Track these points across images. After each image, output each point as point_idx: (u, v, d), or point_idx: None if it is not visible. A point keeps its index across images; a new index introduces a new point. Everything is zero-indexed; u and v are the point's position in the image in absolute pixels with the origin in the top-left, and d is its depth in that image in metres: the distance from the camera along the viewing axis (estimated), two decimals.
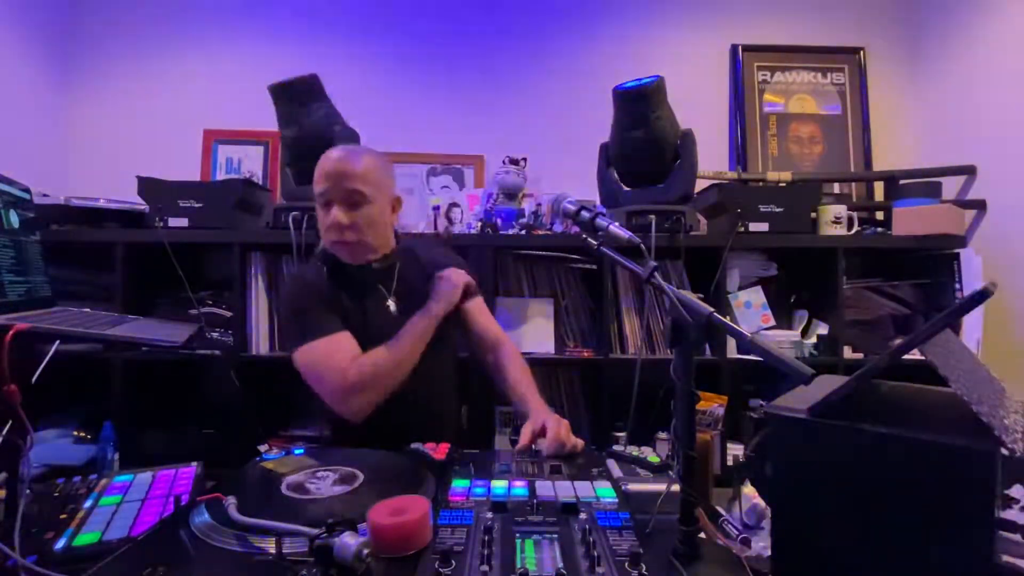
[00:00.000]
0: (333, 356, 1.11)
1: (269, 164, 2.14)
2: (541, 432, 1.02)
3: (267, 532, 0.63)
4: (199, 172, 2.12)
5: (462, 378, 1.40)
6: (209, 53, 2.18)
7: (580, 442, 1.03)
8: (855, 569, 0.57)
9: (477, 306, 1.32)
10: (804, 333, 1.78)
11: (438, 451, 0.93)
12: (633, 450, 1.01)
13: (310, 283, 1.20)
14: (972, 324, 1.67)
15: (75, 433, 1.49)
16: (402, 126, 2.17)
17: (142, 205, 1.73)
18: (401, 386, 1.12)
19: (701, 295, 1.59)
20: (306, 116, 1.71)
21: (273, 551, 0.60)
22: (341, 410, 1.11)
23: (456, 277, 1.23)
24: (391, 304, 1.21)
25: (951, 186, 1.97)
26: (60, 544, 0.72)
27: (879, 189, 2.12)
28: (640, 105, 1.67)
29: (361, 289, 1.20)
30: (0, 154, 1.82)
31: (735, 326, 0.70)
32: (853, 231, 1.78)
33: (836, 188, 2.16)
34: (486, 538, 0.63)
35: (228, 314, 1.71)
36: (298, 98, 1.72)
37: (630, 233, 0.85)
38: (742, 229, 1.71)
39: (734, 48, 2.22)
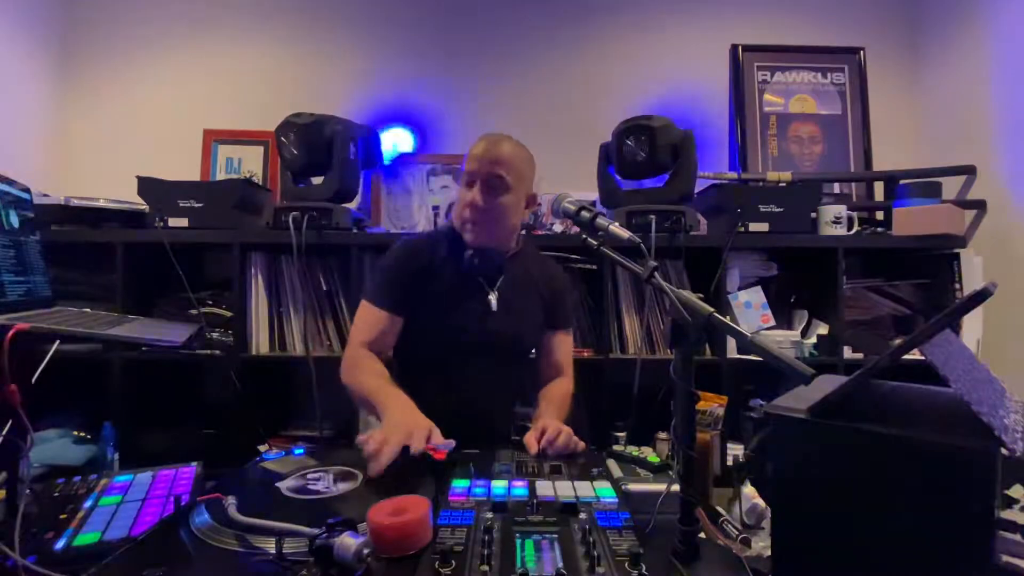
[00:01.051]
0: (358, 326, 1.20)
1: (269, 164, 2.14)
2: (542, 434, 1.02)
3: (267, 532, 0.63)
4: (199, 172, 2.12)
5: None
6: (209, 53, 2.18)
7: (582, 444, 1.03)
8: (855, 569, 0.57)
9: (563, 338, 1.33)
10: (804, 333, 1.78)
11: (438, 451, 0.93)
12: (633, 450, 1.01)
13: (412, 252, 1.22)
14: (972, 324, 1.67)
15: (75, 433, 1.49)
16: (402, 126, 2.17)
17: (142, 205, 1.73)
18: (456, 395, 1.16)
19: (701, 295, 1.58)
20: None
21: (273, 551, 0.60)
22: None
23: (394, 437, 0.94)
24: (492, 299, 1.21)
25: (951, 186, 1.97)
26: (60, 544, 0.72)
27: (879, 189, 2.12)
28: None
29: (467, 276, 1.21)
30: (0, 154, 1.82)
31: (735, 326, 0.70)
32: (853, 231, 1.78)
33: (836, 188, 2.16)
34: (486, 538, 0.63)
35: (228, 314, 1.71)
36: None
37: (630, 233, 0.85)
38: (742, 229, 1.70)
39: (734, 48, 2.22)
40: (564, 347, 1.34)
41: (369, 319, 1.19)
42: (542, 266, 1.33)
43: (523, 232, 1.34)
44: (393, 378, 1.14)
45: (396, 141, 2.14)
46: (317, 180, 1.79)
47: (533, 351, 1.35)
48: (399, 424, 0.94)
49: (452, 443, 0.94)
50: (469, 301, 1.21)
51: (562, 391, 1.28)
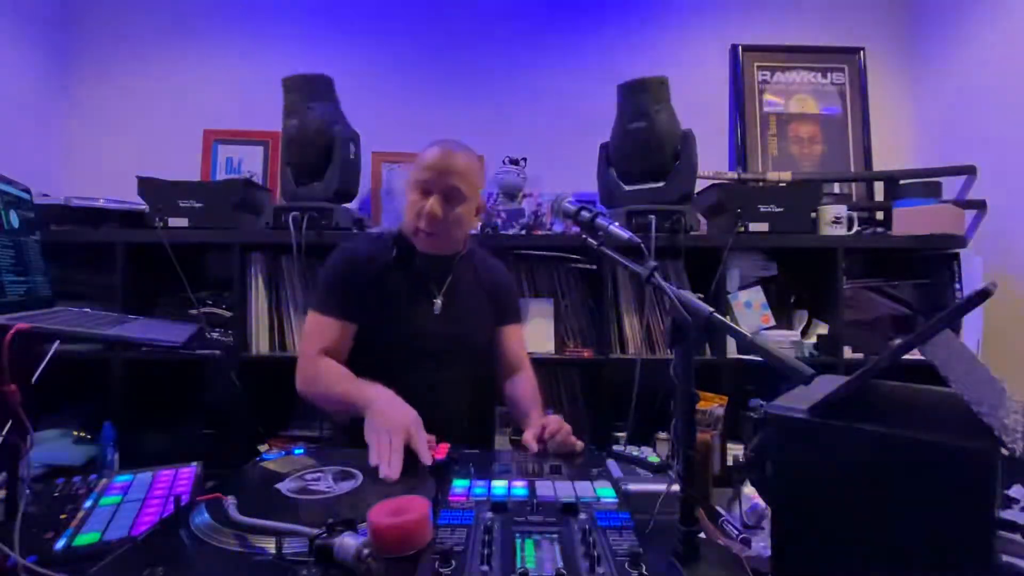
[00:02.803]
0: (313, 335, 1.16)
1: (269, 164, 2.14)
2: (542, 432, 1.02)
3: (267, 532, 0.63)
4: (199, 172, 2.12)
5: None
6: (209, 53, 2.18)
7: (580, 444, 1.03)
8: (855, 569, 0.57)
9: (514, 332, 1.34)
10: (804, 333, 1.78)
11: (438, 451, 0.93)
12: (633, 450, 1.01)
13: (356, 261, 1.20)
14: (972, 324, 1.67)
15: (75, 433, 1.49)
16: (402, 126, 2.17)
17: (142, 205, 1.73)
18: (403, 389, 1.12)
19: (701, 295, 1.59)
20: (309, 111, 1.71)
21: (273, 551, 0.60)
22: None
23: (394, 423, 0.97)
24: (438, 303, 1.22)
25: (951, 186, 1.97)
26: (60, 544, 0.72)
27: (879, 189, 2.12)
28: (643, 97, 1.68)
29: (416, 280, 1.21)
30: (0, 154, 1.82)
31: (735, 326, 0.70)
32: (853, 231, 1.78)
33: (836, 188, 2.16)
34: (486, 538, 0.63)
35: (228, 314, 1.71)
36: (307, 92, 1.72)
37: (630, 233, 0.85)
38: (742, 229, 1.70)
39: (734, 48, 2.22)
40: (515, 339, 1.34)
41: (321, 329, 1.16)
42: (486, 265, 1.33)
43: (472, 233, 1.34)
44: None
45: None
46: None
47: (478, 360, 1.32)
48: (391, 423, 0.93)
49: (433, 438, 0.96)
50: (416, 306, 1.20)
51: (531, 386, 1.28)
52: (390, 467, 0.84)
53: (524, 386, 1.28)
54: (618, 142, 1.76)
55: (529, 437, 1.03)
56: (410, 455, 0.90)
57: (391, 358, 1.18)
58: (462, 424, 1.25)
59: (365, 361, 1.17)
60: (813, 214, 1.78)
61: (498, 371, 1.34)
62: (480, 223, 1.29)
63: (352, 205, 1.89)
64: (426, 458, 0.89)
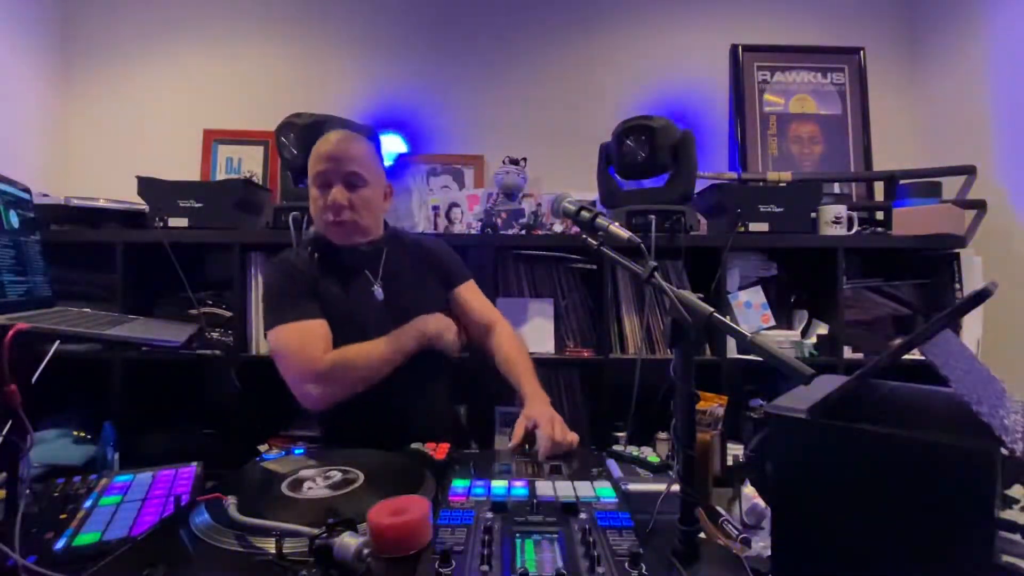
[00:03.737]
0: (305, 342, 1.11)
1: (269, 164, 2.14)
2: (533, 430, 1.02)
3: (267, 532, 0.63)
4: (199, 172, 2.12)
5: (457, 378, 1.39)
6: (209, 53, 2.18)
7: (575, 436, 1.02)
8: (855, 569, 0.57)
9: (468, 290, 1.31)
10: (804, 333, 1.78)
11: (438, 451, 0.93)
12: (633, 450, 1.01)
13: (293, 266, 1.19)
14: (972, 324, 1.67)
15: (75, 433, 1.48)
16: (401, 126, 2.17)
17: (142, 205, 1.73)
18: (383, 388, 1.12)
19: (701, 295, 1.58)
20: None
21: (273, 551, 0.60)
22: (300, 396, 1.11)
23: (433, 324, 1.20)
24: (377, 289, 1.21)
25: (951, 186, 1.97)
26: (60, 544, 0.72)
27: (879, 189, 2.12)
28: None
29: (348, 274, 1.20)
30: (0, 154, 1.82)
31: (735, 326, 0.70)
32: (853, 231, 1.78)
33: (836, 188, 2.16)
34: (486, 538, 0.63)
35: (228, 314, 1.71)
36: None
37: (630, 233, 0.85)
38: (742, 229, 1.70)
39: (734, 48, 2.22)
40: (475, 298, 1.31)
41: (307, 330, 1.12)
42: (416, 242, 1.32)
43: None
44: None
45: (388, 145, 2.14)
46: None
47: None
48: (429, 323, 1.15)
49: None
50: (356, 297, 1.19)
51: (516, 346, 1.26)
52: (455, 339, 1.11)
53: (508, 349, 1.25)
54: (617, 145, 1.76)
55: (518, 428, 1.04)
56: (409, 459, 0.90)
57: None
58: (428, 412, 1.22)
59: None
60: (813, 214, 1.78)
61: (471, 334, 1.31)
62: (388, 207, 1.28)
63: None
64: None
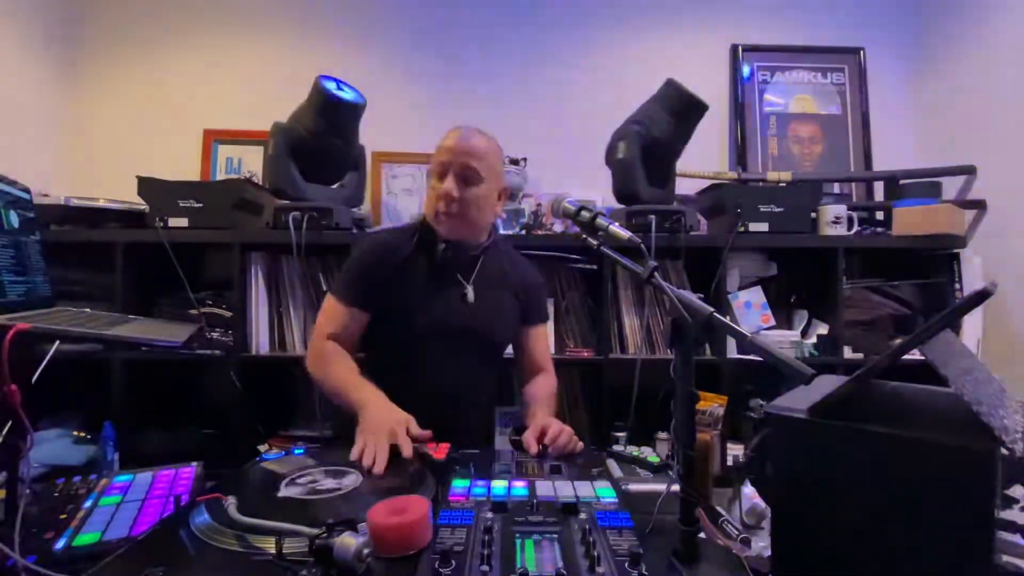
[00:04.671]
0: (327, 319, 1.19)
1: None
2: (542, 435, 1.02)
3: (267, 532, 0.63)
4: (199, 172, 2.12)
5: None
6: (209, 53, 2.18)
7: (581, 444, 1.03)
8: (855, 569, 0.57)
9: (539, 333, 1.34)
10: (804, 333, 1.78)
11: (438, 451, 0.93)
12: (633, 450, 1.01)
13: (384, 247, 1.21)
14: (972, 324, 1.67)
15: (75, 433, 1.48)
16: (401, 126, 2.17)
17: (142, 205, 1.73)
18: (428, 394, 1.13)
19: (701, 295, 1.59)
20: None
21: (273, 551, 0.60)
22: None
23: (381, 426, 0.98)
24: (469, 292, 1.21)
25: (951, 186, 1.97)
26: (60, 544, 0.72)
27: (879, 189, 2.12)
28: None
29: (441, 268, 1.20)
30: (0, 154, 1.82)
31: (735, 326, 0.70)
32: (853, 231, 1.78)
33: (836, 188, 2.16)
34: (486, 538, 0.63)
35: (228, 314, 1.71)
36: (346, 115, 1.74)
37: (630, 233, 0.85)
38: (742, 229, 1.71)
39: (734, 48, 2.22)
40: (541, 342, 1.34)
41: (334, 314, 1.19)
42: (515, 262, 1.32)
43: (498, 230, 1.34)
44: (363, 373, 1.14)
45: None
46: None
47: (508, 349, 1.34)
48: (378, 424, 0.96)
49: (429, 433, 0.97)
50: (444, 294, 1.20)
51: (548, 388, 1.28)
52: (376, 463, 0.87)
53: (541, 385, 1.27)
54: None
55: (529, 437, 1.03)
56: (409, 459, 0.90)
57: (415, 346, 1.18)
58: (470, 419, 1.24)
59: (386, 348, 1.20)
60: (813, 214, 1.78)
61: (521, 370, 1.33)
62: (501, 209, 1.27)
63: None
64: (406, 451, 0.91)
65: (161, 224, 1.66)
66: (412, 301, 1.18)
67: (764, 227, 1.72)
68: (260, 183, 2.08)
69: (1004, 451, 0.48)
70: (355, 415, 1.03)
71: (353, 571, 0.57)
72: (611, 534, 0.66)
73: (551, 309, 1.76)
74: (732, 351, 1.68)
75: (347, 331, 1.19)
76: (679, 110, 1.70)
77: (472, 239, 1.21)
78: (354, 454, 0.91)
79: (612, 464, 0.95)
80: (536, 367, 1.31)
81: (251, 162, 2.15)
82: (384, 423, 0.96)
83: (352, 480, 0.81)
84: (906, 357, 0.59)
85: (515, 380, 1.36)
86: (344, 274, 1.22)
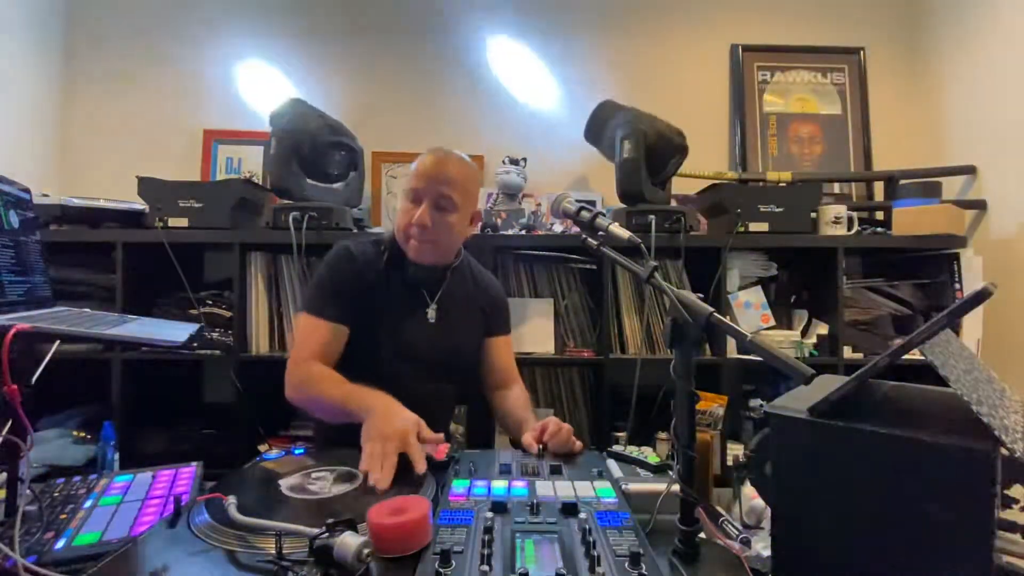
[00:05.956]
0: (305, 338, 1.14)
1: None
2: (542, 433, 1.02)
3: (267, 532, 0.63)
4: (199, 172, 2.12)
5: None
6: (209, 53, 2.18)
7: (581, 444, 1.03)
8: (855, 569, 0.57)
9: (503, 343, 1.33)
10: (804, 333, 1.78)
11: (438, 451, 0.93)
12: (633, 450, 1.01)
13: (354, 260, 1.18)
14: (972, 324, 1.67)
15: (75, 433, 1.49)
16: (402, 126, 2.17)
17: (142, 205, 1.73)
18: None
19: (701, 295, 1.59)
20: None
21: (273, 551, 0.60)
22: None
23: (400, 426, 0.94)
24: (431, 312, 1.21)
25: (951, 186, 1.97)
26: (60, 544, 0.72)
27: (879, 189, 2.12)
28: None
29: (408, 288, 1.20)
30: (0, 154, 1.82)
31: (735, 326, 0.70)
32: (853, 231, 1.78)
33: (836, 188, 2.16)
34: (486, 538, 0.63)
35: (228, 314, 1.71)
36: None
37: (630, 233, 0.85)
38: (742, 229, 1.71)
39: (734, 48, 2.22)
40: (505, 350, 1.33)
41: (313, 332, 1.13)
42: (479, 278, 1.33)
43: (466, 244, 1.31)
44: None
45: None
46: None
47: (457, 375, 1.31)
48: (387, 430, 0.90)
49: (441, 436, 0.95)
50: (410, 314, 1.19)
51: (527, 400, 1.27)
52: (381, 474, 0.81)
53: (517, 398, 1.27)
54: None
55: (529, 438, 1.03)
56: (409, 459, 0.90)
57: (381, 366, 1.15)
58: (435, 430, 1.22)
59: (353, 366, 1.14)
60: (813, 214, 1.78)
61: (487, 382, 1.33)
62: (473, 232, 1.27)
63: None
64: (419, 467, 0.85)
65: (161, 224, 1.66)
66: (378, 320, 1.16)
67: (764, 227, 1.72)
68: (260, 183, 2.08)
69: (1004, 451, 0.48)
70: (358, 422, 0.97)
71: (353, 571, 0.57)
72: (611, 534, 0.66)
73: (551, 309, 1.77)
74: (732, 351, 1.68)
75: (330, 349, 1.14)
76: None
77: (441, 263, 1.21)
78: (362, 465, 0.85)
79: (612, 464, 0.95)
80: (504, 378, 1.31)
81: (251, 162, 2.15)
82: (393, 428, 0.90)
83: (352, 480, 0.81)
84: (906, 357, 0.59)
85: (486, 391, 1.34)
86: (318, 289, 1.17)
